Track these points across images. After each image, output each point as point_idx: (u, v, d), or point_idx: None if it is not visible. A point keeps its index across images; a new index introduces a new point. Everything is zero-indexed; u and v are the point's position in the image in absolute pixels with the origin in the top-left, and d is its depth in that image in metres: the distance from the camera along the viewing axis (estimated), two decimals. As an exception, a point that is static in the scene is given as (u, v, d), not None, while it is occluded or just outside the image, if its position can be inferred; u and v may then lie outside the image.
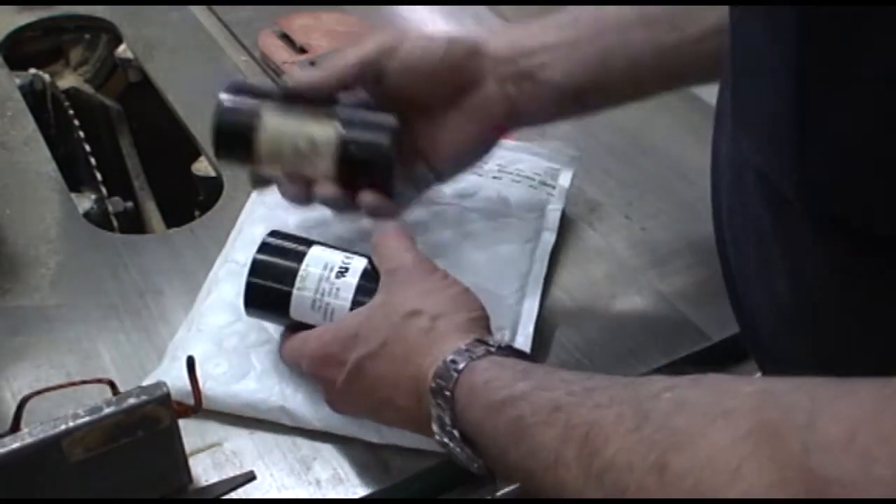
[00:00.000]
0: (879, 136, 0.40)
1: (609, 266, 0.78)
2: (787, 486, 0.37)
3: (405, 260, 0.62)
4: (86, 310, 0.74)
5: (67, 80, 1.15)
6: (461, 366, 0.55)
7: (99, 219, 0.94)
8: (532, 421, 0.50)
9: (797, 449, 0.38)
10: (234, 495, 0.61)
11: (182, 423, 0.57)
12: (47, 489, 0.54)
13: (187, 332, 0.70)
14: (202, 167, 0.92)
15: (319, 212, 0.73)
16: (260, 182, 0.71)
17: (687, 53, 0.66)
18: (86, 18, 1.14)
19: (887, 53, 0.38)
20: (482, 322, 0.60)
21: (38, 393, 0.59)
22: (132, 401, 0.54)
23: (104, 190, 0.99)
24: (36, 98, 1.05)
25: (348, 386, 0.60)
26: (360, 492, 0.61)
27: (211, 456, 0.63)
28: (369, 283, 0.63)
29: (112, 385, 0.59)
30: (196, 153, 0.93)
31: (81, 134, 1.04)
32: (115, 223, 0.97)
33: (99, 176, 1.00)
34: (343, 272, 0.63)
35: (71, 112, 1.07)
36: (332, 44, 1.01)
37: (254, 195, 0.81)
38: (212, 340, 0.68)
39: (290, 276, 0.63)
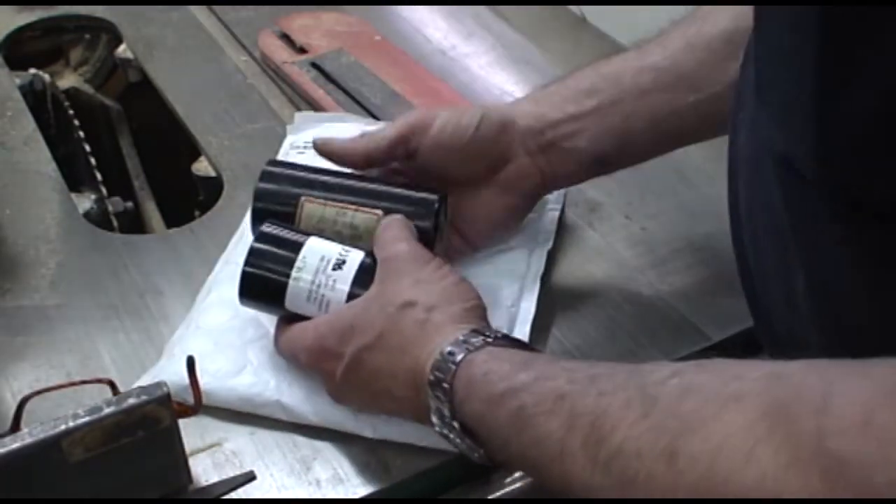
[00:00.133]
0: None
1: (609, 266, 0.78)
2: (803, 467, 0.37)
3: (400, 249, 0.62)
4: (86, 310, 0.74)
5: (67, 80, 1.15)
6: (459, 357, 0.55)
7: (99, 219, 0.94)
8: (534, 411, 0.50)
9: (812, 430, 0.37)
10: (234, 495, 0.61)
11: (182, 422, 0.57)
12: (47, 489, 0.54)
13: (186, 329, 0.70)
14: (202, 167, 0.92)
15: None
16: None
17: (705, 112, 0.68)
18: (86, 18, 1.14)
19: None
20: (478, 311, 0.60)
21: (38, 393, 0.59)
22: (132, 401, 0.54)
23: (104, 190, 0.99)
24: (36, 98, 1.05)
25: (347, 378, 0.60)
26: (360, 492, 0.61)
27: (211, 456, 0.63)
28: (366, 275, 0.63)
29: (112, 385, 0.59)
30: (196, 153, 0.93)
31: (81, 134, 1.04)
32: (115, 223, 0.97)
33: (99, 176, 1.00)
34: (340, 264, 0.63)
35: (71, 112, 1.07)
36: (332, 44, 1.01)
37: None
38: (209, 338, 0.68)
39: (286, 266, 0.63)
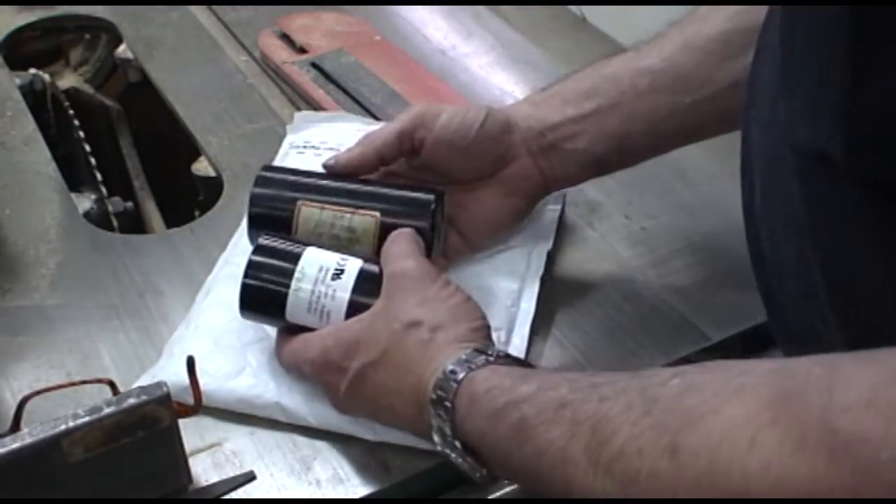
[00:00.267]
0: None
1: (609, 266, 0.78)
2: (809, 451, 0.37)
3: (407, 266, 0.62)
4: (86, 310, 0.74)
5: (67, 80, 1.15)
6: (461, 376, 0.55)
7: (99, 219, 0.94)
8: (536, 422, 0.49)
9: (817, 413, 0.37)
10: (234, 495, 0.61)
11: (182, 422, 0.57)
12: (47, 489, 0.54)
13: (185, 329, 0.70)
14: (202, 167, 0.92)
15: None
16: None
17: (702, 112, 0.68)
18: (86, 18, 1.14)
19: None
20: (483, 332, 0.60)
21: (38, 393, 0.59)
22: (132, 401, 0.54)
23: (104, 190, 0.99)
24: (36, 98, 1.05)
25: (351, 392, 0.60)
26: (360, 492, 0.61)
27: (211, 456, 0.63)
28: (365, 284, 0.63)
29: (112, 385, 0.59)
30: (196, 153, 0.93)
31: (81, 134, 1.04)
32: (115, 223, 0.97)
33: (99, 176, 1.00)
34: (339, 273, 0.63)
35: (71, 112, 1.07)
36: (332, 44, 1.01)
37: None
38: (209, 338, 0.68)
39: (285, 278, 0.63)
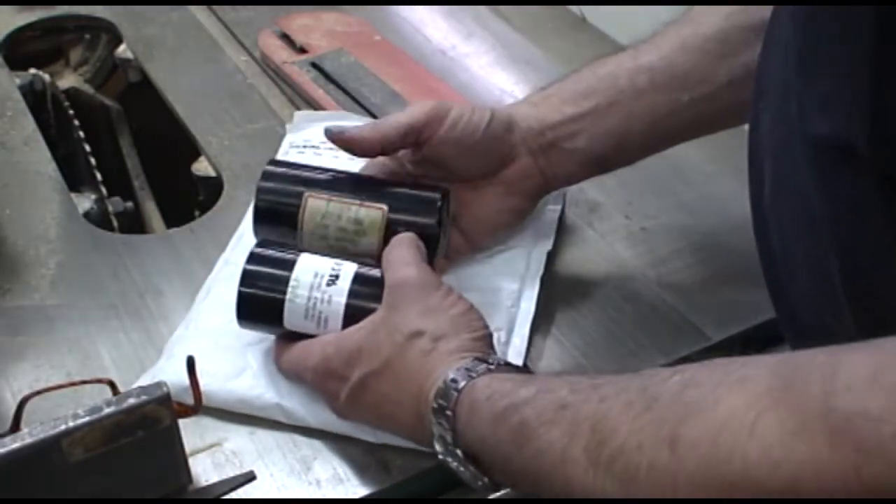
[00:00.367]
0: None
1: (609, 266, 0.78)
2: (810, 432, 0.37)
3: (409, 275, 0.62)
4: (86, 310, 0.74)
5: (67, 80, 1.15)
6: (462, 385, 0.55)
7: (99, 219, 0.94)
8: (536, 423, 0.49)
9: (818, 394, 0.37)
10: (234, 495, 0.61)
11: (182, 423, 0.57)
12: (47, 489, 0.54)
13: (185, 329, 0.70)
14: (202, 167, 0.92)
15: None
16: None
17: (701, 110, 0.69)
18: (86, 18, 1.14)
19: None
20: (484, 341, 0.60)
21: (38, 393, 0.59)
22: (132, 401, 0.54)
23: (104, 190, 0.99)
24: (36, 98, 1.05)
25: (352, 400, 0.60)
26: (360, 492, 0.61)
27: (211, 456, 0.63)
28: (361, 288, 0.63)
29: (112, 385, 0.59)
30: (196, 153, 0.93)
31: (81, 134, 1.04)
32: (115, 223, 0.97)
33: (99, 176, 1.00)
34: (334, 279, 0.63)
35: (71, 112, 1.07)
36: (333, 44, 1.01)
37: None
38: (209, 338, 0.68)
39: (281, 286, 0.63)
